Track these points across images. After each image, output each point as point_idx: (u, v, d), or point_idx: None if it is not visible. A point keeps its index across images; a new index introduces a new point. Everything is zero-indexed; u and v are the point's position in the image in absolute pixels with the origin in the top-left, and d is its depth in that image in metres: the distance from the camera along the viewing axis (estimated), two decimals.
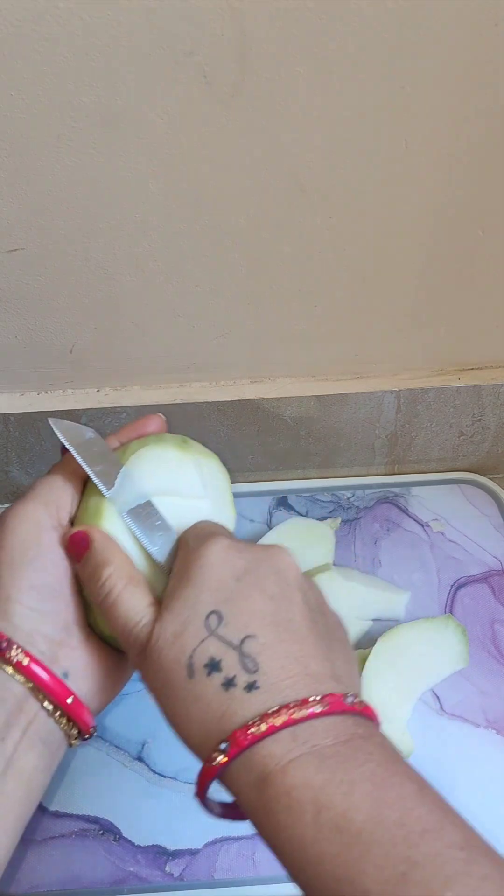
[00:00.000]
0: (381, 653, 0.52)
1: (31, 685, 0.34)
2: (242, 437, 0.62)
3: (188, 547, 0.34)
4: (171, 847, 0.47)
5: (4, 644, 0.34)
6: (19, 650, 0.34)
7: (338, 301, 0.54)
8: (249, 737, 0.28)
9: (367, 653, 0.52)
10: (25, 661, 0.34)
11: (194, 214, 0.47)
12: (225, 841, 0.47)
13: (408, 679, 0.52)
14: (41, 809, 0.49)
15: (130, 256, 0.49)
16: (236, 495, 0.65)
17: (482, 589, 0.59)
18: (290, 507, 0.65)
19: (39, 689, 0.34)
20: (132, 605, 0.33)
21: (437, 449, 0.66)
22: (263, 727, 0.28)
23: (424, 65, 0.41)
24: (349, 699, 0.29)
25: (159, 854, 0.47)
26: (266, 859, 0.46)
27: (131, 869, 0.46)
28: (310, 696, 0.29)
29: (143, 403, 0.58)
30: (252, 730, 0.28)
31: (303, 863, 0.26)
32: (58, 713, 0.35)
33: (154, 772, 0.50)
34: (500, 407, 0.61)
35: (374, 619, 0.57)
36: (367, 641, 0.55)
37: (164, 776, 0.50)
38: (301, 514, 0.64)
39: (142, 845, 0.47)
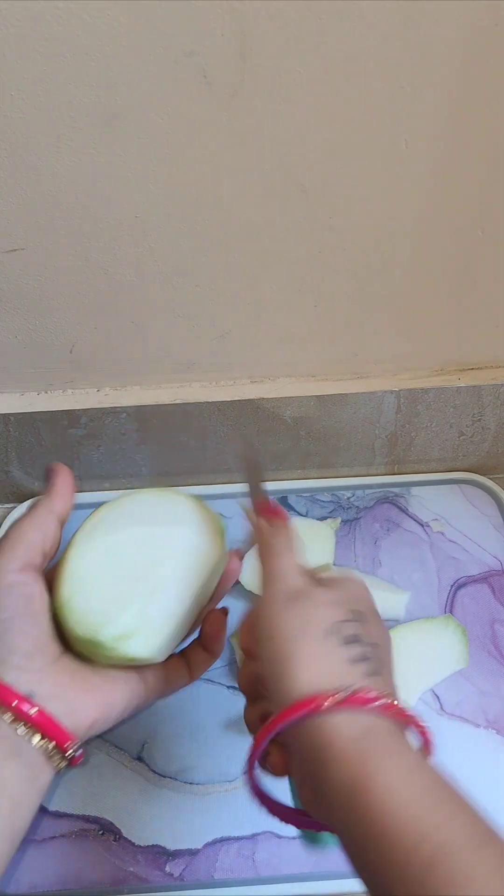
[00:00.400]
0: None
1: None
2: (242, 436, 0.62)
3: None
4: (171, 847, 0.47)
5: None
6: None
7: (338, 301, 0.54)
8: (372, 697, 0.31)
9: None
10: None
11: (194, 214, 0.47)
12: (225, 841, 0.47)
13: (408, 679, 0.52)
14: (41, 810, 0.49)
15: (130, 256, 0.49)
16: (236, 495, 0.65)
17: (482, 589, 0.59)
18: (290, 507, 0.65)
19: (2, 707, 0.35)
20: (295, 561, 0.38)
21: (437, 449, 0.66)
22: (382, 700, 0.31)
23: (424, 65, 0.41)
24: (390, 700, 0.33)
25: (159, 854, 0.47)
26: (266, 859, 0.46)
27: (131, 869, 0.46)
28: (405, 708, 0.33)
29: (143, 403, 0.58)
30: (373, 694, 0.31)
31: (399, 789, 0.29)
32: (28, 729, 0.35)
33: (154, 772, 0.50)
34: (500, 407, 0.61)
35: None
36: None
37: (164, 776, 0.50)
38: (301, 514, 0.64)
39: (142, 845, 0.47)
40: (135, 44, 0.39)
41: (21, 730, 0.35)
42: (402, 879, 0.27)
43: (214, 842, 0.47)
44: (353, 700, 0.31)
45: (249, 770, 0.34)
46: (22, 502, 0.66)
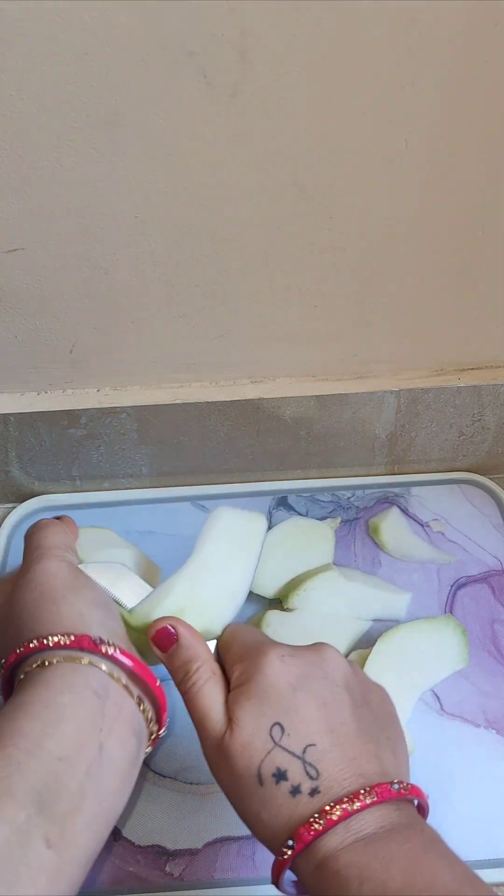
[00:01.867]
0: (381, 653, 0.52)
1: (118, 677, 0.37)
2: (242, 437, 0.62)
3: (245, 657, 0.39)
4: (171, 847, 0.47)
5: (98, 640, 0.37)
6: (111, 645, 0.37)
7: (338, 301, 0.54)
8: (312, 833, 0.32)
9: (367, 653, 0.52)
10: (117, 653, 0.37)
11: (194, 214, 0.47)
12: (225, 841, 0.47)
13: (408, 679, 0.52)
14: None
15: (130, 256, 0.49)
16: (236, 495, 0.65)
17: (482, 589, 0.59)
18: (290, 507, 0.65)
19: (133, 676, 0.38)
20: (213, 700, 0.37)
21: (437, 449, 0.66)
22: (322, 824, 0.32)
23: (424, 65, 0.41)
24: (395, 787, 0.34)
25: (159, 854, 0.47)
26: (266, 859, 0.46)
27: (131, 869, 0.46)
28: (360, 791, 0.33)
29: (143, 403, 0.58)
30: (315, 826, 0.32)
31: None
32: (143, 705, 0.38)
33: (154, 772, 0.50)
34: (500, 407, 0.61)
35: (374, 620, 0.57)
36: (367, 642, 0.55)
37: (164, 776, 0.50)
38: (301, 514, 0.64)
39: (142, 845, 0.47)
40: (135, 44, 0.39)
41: (142, 709, 0.38)
42: None
43: (214, 842, 0.47)
44: (303, 841, 0.33)
45: (276, 885, 0.35)
46: (22, 502, 0.66)
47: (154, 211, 0.47)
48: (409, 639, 0.54)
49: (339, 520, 0.64)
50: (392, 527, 0.62)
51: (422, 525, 0.64)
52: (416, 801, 0.35)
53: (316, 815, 0.33)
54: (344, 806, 0.32)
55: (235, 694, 0.37)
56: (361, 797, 0.33)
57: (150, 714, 0.39)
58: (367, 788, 0.33)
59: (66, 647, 0.37)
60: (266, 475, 0.67)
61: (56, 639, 0.37)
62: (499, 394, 0.60)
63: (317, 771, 0.34)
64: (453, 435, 0.64)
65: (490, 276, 0.53)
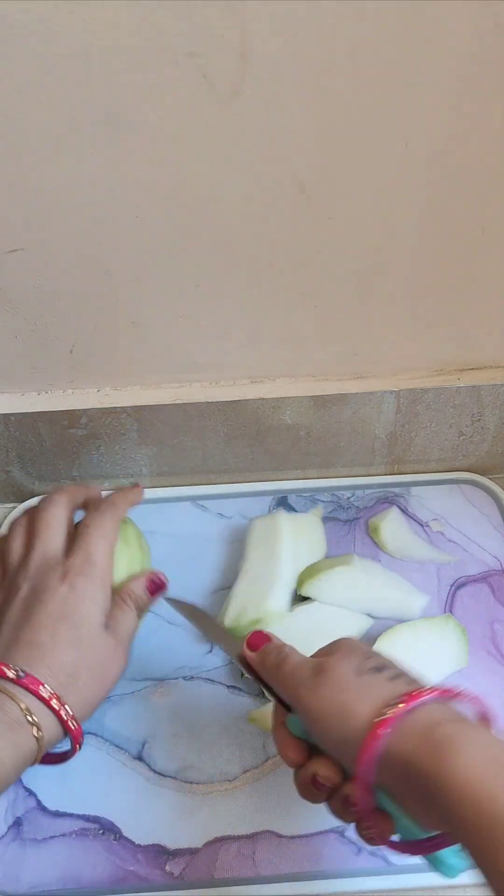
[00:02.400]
0: (381, 649, 0.52)
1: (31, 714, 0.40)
2: (242, 436, 0.62)
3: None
4: (171, 846, 0.47)
5: (48, 694, 0.40)
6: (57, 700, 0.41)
7: (338, 301, 0.54)
8: (422, 693, 0.35)
9: None
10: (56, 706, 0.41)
11: (194, 214, 0.47)
12: (225, 840, 0.47)
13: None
14: (41, 809, 0.49)
15: (130, 256, 0.49)
16: (236, 495, 0.65)
17: (482, 589, 0.59)
18: (290, 507, 0.65)
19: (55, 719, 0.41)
20: (299, 656, 0.42)
21: (436, 449, 0.66)
22: (427, 695, 0.36)
23: (424, 65, 0.41)
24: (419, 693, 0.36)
25: (159, 853, 0.47)
26: (266, 859, 0.46)
27: (131, 868, 0.46)
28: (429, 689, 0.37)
29: (143, 403, 0.58)
30: (423, 697, 0.35)
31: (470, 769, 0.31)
32: (30, 716, 0.40)
33: (154, 771, 0.50)
34: (499, 407, 0.61)
35: (386, 618, 0.57)
36: (367, 640, 0.55)
37: (164, 776, 0.50)
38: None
39: (142, 844, 0.47)
40: (135, 44, 0.39)
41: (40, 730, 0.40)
42: None
43: (214, 841, 0.47)
44: (413, 699, 0.35)
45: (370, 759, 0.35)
46: (22, 502, 0.66)
47: (154, 211, 0.47)
48: (408, 639, 0.54)
49: (320, 506, 0.64)
50: (392, 527, 0.62)
51: (421, 525, 0.64)
52: None
53: (422, 688, 0.36)
54: (434, 691, 0.36)
55: (322, 651, 0.42)
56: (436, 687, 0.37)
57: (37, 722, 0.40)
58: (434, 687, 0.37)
59: None
60: (266, 475, 0.67)
61: None
62: (498, 394, 0.60)
63: (410, 679, 0.38)
64: (453, 435, 0.64)
65: (490, 276, 0.53)
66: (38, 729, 0.39)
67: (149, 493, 0.66)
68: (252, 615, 0.54)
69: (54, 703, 0.40)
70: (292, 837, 0.47)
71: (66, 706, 0.41)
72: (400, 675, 0.38)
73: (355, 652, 0.40)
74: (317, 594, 0.56)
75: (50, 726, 0.40)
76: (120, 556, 0.51)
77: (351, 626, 0.56)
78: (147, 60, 0.40)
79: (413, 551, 0.61)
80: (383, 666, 0.38)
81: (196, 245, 0.49)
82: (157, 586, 0.49)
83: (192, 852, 0.47)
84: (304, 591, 0.57)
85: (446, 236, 0.50)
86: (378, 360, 0.59)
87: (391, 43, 0.40)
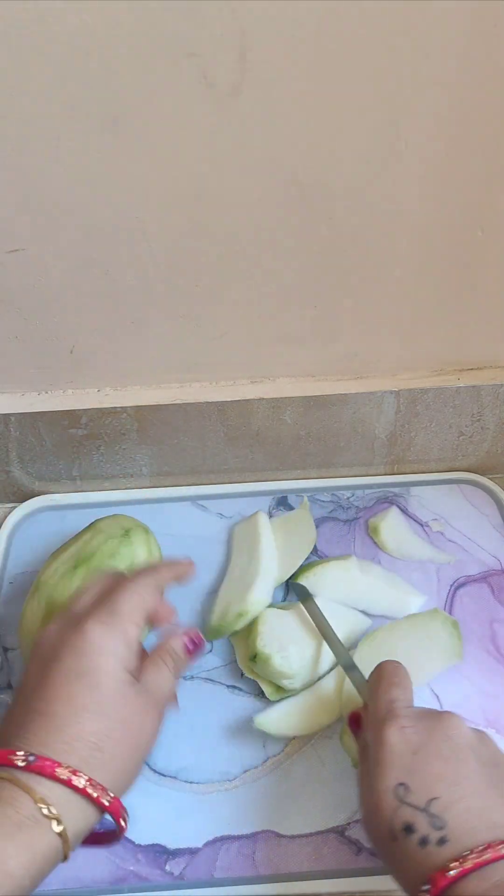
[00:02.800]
0: (363, 656, 0.52)
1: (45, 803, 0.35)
2: (242, 436, 0.62)
3: (373, 726, 0.42)
4: (172, 846, 0.47)
5: (66, 775, 0.35)
6: (78, 778, 0.36)
7: (338, 301, 0.54)
8: (446, 879, 0.34)
9: None
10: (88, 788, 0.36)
11: (194, 214, 0.47)
12: (225, 840, 0.47)
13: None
14: None
15: (130, 256, 0.49)
16: (236, 495, 0.65)
17: (481, 589, 0.59)
18: (290, 508, 0.65)
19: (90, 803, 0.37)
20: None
21: (436, 449, 0.66)
22: (457, 869, 0.34)
23: (424, 65, 0.41)
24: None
25: (159, 853, 0.47)
26: (266, 858, 0.46)
27: (131, 868, 0.46)
28: (492, 842, 0.34)
29: (143, 403, 0.58)
30: (450, 873, 0.34)
31: None
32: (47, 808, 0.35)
33: (154, 771, 0.50)
34: (499, 407, 0.61)
35: (382, 616, 0.57)
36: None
37: (165, 776, 0.50)
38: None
39: (142, 844, 0.47)
40: (135, 44, 0.39)
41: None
42: None
43: (214, 841, 0.47)
44: (437, 886, 0.34)
45: None
46: (22, 502, 0.66)
47: (154, 211, 0.47)
48: (396, 637, 0.54)
49: (306, 500, 0.65)
50: (391, 526, 0.62)
51: (421, 525, 0.64)
52: None
53: (451, 863, 0.34)
54: (476, 857, 0.34)
55: (364, 761, 0.41)
56: (495, 848, 0.34)
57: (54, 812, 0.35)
58: (499, 842, 0.34)
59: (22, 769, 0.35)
60: (266, 475, 0.67)
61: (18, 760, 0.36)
62: (498, 394, 0.60)
63: (442, 821, 0.36)
64: (453, 435, 0.64)
65: (490, 276, 0.53)
66: (59, 822, 0.34)
67: (149, 493, 0.66)
68: (236, 609, 0.54)
69: (76, 780, 0.35)
70: (292, 837, 0.47)
71: (94, 781, 0.36)
72: (428, 836, 0.36)
73: (384, 802, 0.38)
74: (312, 590, 0.57)
75: (75, 812, 0.35)
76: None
77: (346, 624, 0.55)
78: (147, 60, 0.40)
79: (413, 551, 0.61)
80: (411, 822, 0.36)
81: (196, 245, 0.49)
82: (195, 646, 0.45)
83: (192, 852, 0.47)
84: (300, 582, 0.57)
85: (446, 236, 0.50)
86: (378, 360, 0.59)
87: (391, 43, 0.40)
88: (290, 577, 0.58)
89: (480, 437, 0.65)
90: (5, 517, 0.65)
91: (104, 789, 0.36)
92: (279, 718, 0.51)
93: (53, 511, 0.66)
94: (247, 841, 0.47)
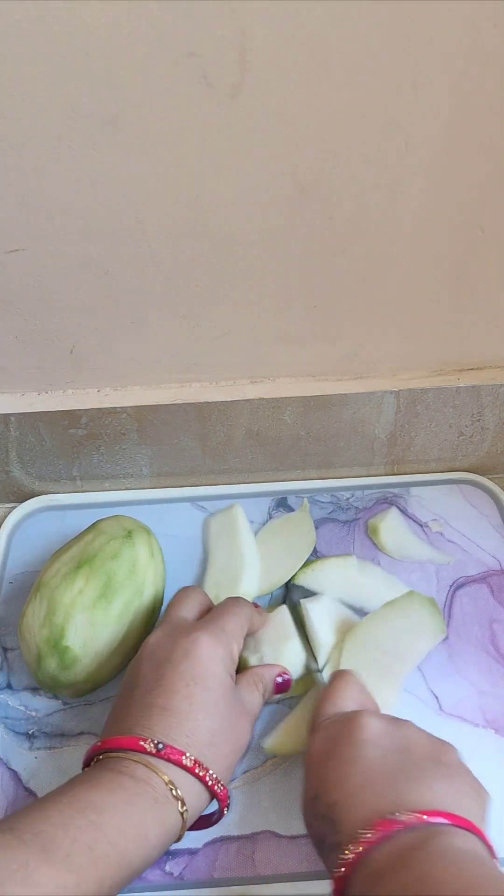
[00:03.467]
0: (351, 653, 0.52)
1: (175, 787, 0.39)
2: (242, 436, 0.62)
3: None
4: (171, 846, 0.47)
5: (191, 763, 0.40)
6: (200, 767, 0.40)
7: (338, 301, 0.54)
8: (339, 879, 0.35)
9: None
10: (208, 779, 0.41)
11: (194, 215, 0.47)
12: (224, 840, 0.47)
13: (387, 667, 0.52)
14: None
15: (130, 256, 0.49)
16: (236, 495, 0.66)
17: (481, 589, 0.59)
18: (289, 508, 0.65)
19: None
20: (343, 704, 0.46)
21: (436, 449, 0.66)
22: (342, 870, 0.35)
23: (424, 65, 0.41)
24: (398, 816, 0.35)
25: None
26: (265, 858, 0.46)
27: None
28: (377, 820, 0.35)
29: (143, 403, 0.58)
30: (337, 873, 0.35)
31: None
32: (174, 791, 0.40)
33: None
34: (499, 407, 0.61)
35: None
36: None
37: None
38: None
39: None
40: (135, 44, 0.39)
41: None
42: None
43: (214, 841, 0.47)
44: (341, 880, 0.35)
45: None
46: (22, 502, 0.66)
47: (154, 211, 0.47)
48: (376, 626, 0.53)
49: (305, 499, 0.65)
50: (391, 527, 0.62)
51: (421, 525, 0.64)
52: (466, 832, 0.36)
53: (338, 862, 0.35)
54: (351, 848, 0.35)
55: None
56: (363, 835, 0.35)
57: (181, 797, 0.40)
58: (369, 824, 0.35)
59: (149, 753, 0.40)
60: (266, 475, 0.67)
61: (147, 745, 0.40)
62: (498, 394, 0.60)
63: (337, 824, 0.37)
64: (453, 435, 0.64)
65: (490, 276, 0.53)
66: (183, 804, 0.39)
67: (149, 494, 0.66)
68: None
69: (198, 770, 0.40)
70: (292, 837, 0.47)
71: (210, 771, 0.40)
72: (330, 842, 0.37)
73: (308, 816, 0.40)
74: (308, 586, 0.57)
75: (194, 797, 0.40)
76: (147, 568, 0.52)
77: (340, 621, 0.56)
78: (147, 60, 0.40)
79: (412, 552, 0.61)
80: (323, 834, 0.38)
81: (196, 245, 0.49)
82: (283, 685, 0.49)
83: (191, 852, 0.47)
84: (298, 581, 0.58)
85: (446, 236, 0.50)
86: (378, 360, 0.59)
87: (391, 43, 0.40)
88: (290, 580, 0.58)
89: (480, 438, 0.65)
90: (5, 517, 0.65)
91: (217, 780, 0.41)
92: (287, 739, 0.50)
93: (53, 511, 0.66)
94: (246, 841, 0.47)
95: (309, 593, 0.57)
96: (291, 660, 0.52)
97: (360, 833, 0.35)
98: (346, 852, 0.35)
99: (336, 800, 0.37)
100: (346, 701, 0.45)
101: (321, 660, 0.52)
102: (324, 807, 0.38)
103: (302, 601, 0.55)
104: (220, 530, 0.63)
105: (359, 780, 0.38)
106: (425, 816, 0.35)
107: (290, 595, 0.57)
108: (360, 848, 0.34)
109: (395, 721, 0.42)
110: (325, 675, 0.52)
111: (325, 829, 0.37)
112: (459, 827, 0.35)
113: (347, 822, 0.36)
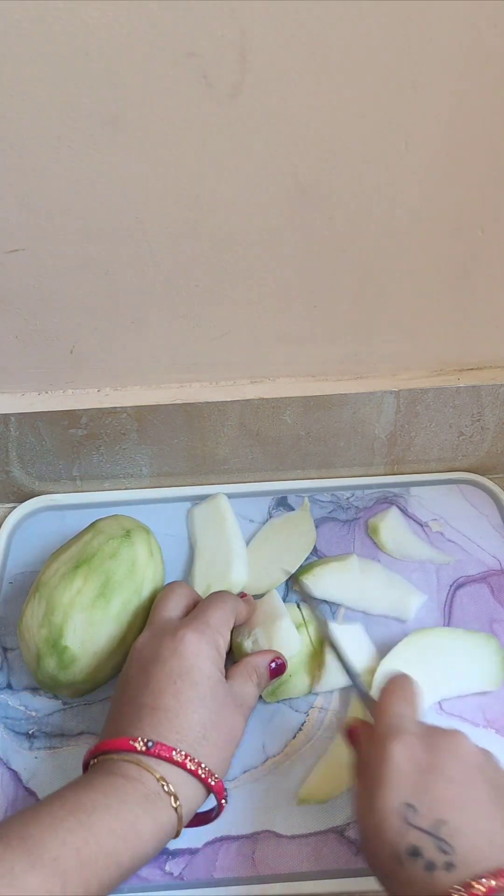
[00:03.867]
0: (409, 645, 0.53)
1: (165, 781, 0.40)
2: (242, 436, 0.62)
3: (377, 740, 0.40)
4: (171, 846, 0.47)
5: (181, 757, 0.40)
6: (191, 761, 0.41)
7: (338, 301, 0.54)
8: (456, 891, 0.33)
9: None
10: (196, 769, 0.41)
11: (194, 215, 0.47)
12: (225, 840, 0.47)
13: (435, 681, 0.52)
14: None
15: (130, 256, 0.49)
16: (236, 495, 0.65)
17: (481, 589, 0.59)
18: (290, 508, 0.65)
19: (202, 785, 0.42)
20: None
21: (436, 449, 0.66)
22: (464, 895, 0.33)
23: (424, 65, 0.41)
24: None
25: (159, 853, 0.47)
26: (265, 858, 0.46)
27: None
28: (502, 868, 0.34)
29: (143, 403, 0.58)
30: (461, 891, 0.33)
31: None
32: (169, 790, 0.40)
33: None
34: (499, 407, 0.61)
35: (382, 616, 0.57)
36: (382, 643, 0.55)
37: None
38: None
39: None
40: (135, 44, 0.39)
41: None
42: None
43: (214, 841, 0.47)
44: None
45: None
46: (22, 502, 0.66)
47: (154, 211, 0.47)
48: (445, 642, 0.54)
49: (306, 499, 0.65)
50: (391, 527, 0.62)
51: (421, 525, 0.64)
52: None
53: (458, 887, 0.33)
54: (490, 882, 0.33)
55: (363, 777, 0.40)
56: (490, 882, 0.33)
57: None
58: (498, 873, 0.33)
59: (143, 753, 0.40)
60: (266, 475, 0.67)
61: (140, 745, 0.40)
62: (498, 394, 0.60)
63: (450, 846, 0.35)
64: (453, 435, 0.64)
65: (490, 276, 0.53)
66: (176, 799, 0.39)
67: (149, 494, 0.66)
68: (218, 590, 0.55)
69: (189, 764, 0.40)
70: (292, 837, 0.47)
71: (203, 764, 0.41)
72: (435, 861, 0.35)
73: (387, 823, 0.37)
74: (312, 590, 0.57)
75: (188, 792, 0.40)
76: (146, 567, 0.53)
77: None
78: (147, 60, 0.40)
79: (412, 551, 0.61)
80: (419, 846, 0.35)
81: (196, 245, 0.49)
82: (278, 670, 0.50)
83: (191, 852, 0.47)
84: (301, 586, 0.57)
85: (446, 236, 0.50)
86: (378, 360, 0.59)
87: (391, 43, 0.40)
88: (290, 578, 0.58)
89: (480, 438, 0.65)
90: (5, 517, 0.65)
91: (210, 772, 0.41)
92: (322, 784, 0.49)
93: (53, 511, 0.66)
94: (246, 841, 0.47)
95: (309, 596, 0.57)
96: (285, 639, 0.52)
97: (489, 874, 0.34)
98: (477, 885, 0.33)
99: (447, 820, 0.36)
100: (410, 707, 0.43)
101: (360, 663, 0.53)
102: (428, 821, 0.36)
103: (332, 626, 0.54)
104: (206, 521, 0.63)
105: (475, 809, 0.36)
106: None
107: (290, 594, 0.58)
108: (494, 883, 0.33)
109: (483, 749, 0.41)
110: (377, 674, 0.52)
111: (429, 845, 0.35)
112: None
113: (467, 851, 0.35)
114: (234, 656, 0.53)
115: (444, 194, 0.47)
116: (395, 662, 0.52)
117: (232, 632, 0.53)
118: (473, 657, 0.54)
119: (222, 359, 0.58)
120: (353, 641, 0.54)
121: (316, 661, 0.53)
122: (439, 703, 0.53)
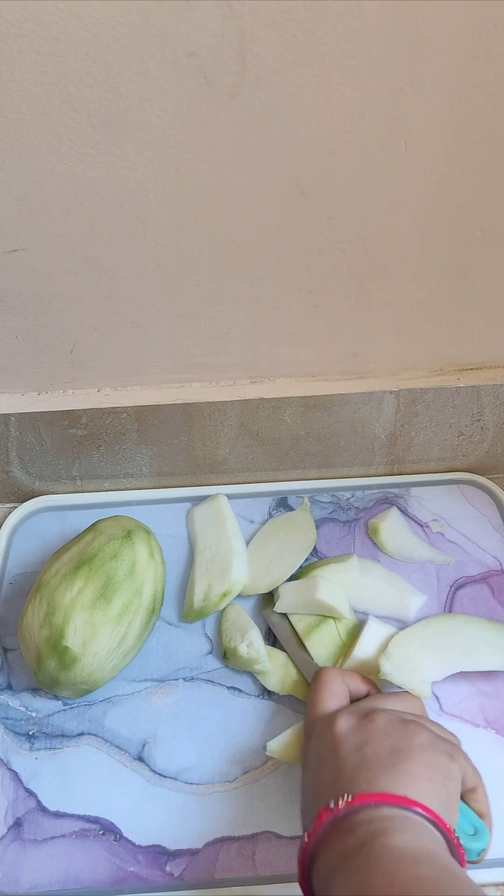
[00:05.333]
0: (431, 623, 0.54)
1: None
2: (242, 436, 0.62)
3: (306, 729, 0.47)
4: (172, 847, 0.47)
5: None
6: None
7: (338, 301, 0.54)
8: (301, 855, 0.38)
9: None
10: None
11: (194, 215, 0.47)
12: (225, 841, 0.47)
13: (449, 652, 0.53)
14: (41, 809, 0.49)
15: (130, 256, 0.49)
16: (236, 495, 0.65)
17: (481, 589, 0.59)
18: (290, 508, 0.65)
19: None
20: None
21: (436, 449, 0.66)
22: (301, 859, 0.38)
23: (424, 65, 0.41)
24: (330, 804, 0.38)
25: (159, 854, 0.47)
26: (266, 859, 0.46)
27: (132, 869, 0.46)
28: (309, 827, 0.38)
29: (143, 403, 0.58)
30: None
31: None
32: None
33: (154, 772, 0.50)
34: (499, 407, 0.61)
35: (383, 616, 0.57)
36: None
37: (164, 776, 0.50)
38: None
39: (142, 845, 0.47)
40: (135, 44, 0.39)
41: None
42: None
43: (214, 841, 0.47)
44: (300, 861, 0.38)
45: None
46: (23, 502, 0.66)
47: (154, 211, 0.47)
48: (464, 625, 0.54)
49: (306, 499, 0.65)
50: (391, 527, 0.62)
51: (421, 525, 0.64)
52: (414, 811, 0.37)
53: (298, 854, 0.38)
54: (304, 838, 0.38)
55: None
56: (302, 838, 0.38)
57: None
58: (311, 823, 0.38)
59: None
60: (266, 475, 0.67)
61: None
62: (498, 394, 0.60)
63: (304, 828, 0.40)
64: (452, 435, 0.64)
65: (489, 276, 0.53)
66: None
67: (149, 494, 0.66)
68: (219, 589, 0.57)
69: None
70: (292, 837, 0.47)
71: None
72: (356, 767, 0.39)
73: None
74: (315, 593, 0.57)
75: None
76: (147, 568, 0.53)
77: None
78: (147, 60, 0.40)
79: (413, 552, 0.61)
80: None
81: (196, 245, 0.49)
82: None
83: (192, 853, 0.47)
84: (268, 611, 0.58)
85: (446, 236, 0.50)
86: (378, 360, 0.59)
87: (391, 43, 0.40)
88: (290, 578, 0.59)
89: (480, 437, 0.65)
90: (5, 517, 0.65)
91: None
92: (291, 747, 0.50)
93: (53, 511, 0.66)
94: (247, 842, 0.47)
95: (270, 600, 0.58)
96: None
97: (307, 826, 0.38)
98: (340, 801, 0.37)
99: (302, 806, 0.41)
100: (327, 701, 0.46)
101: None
102: (302, 813, 0.41)
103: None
104: (206, 521, 0.63)
105: (318, 789, 0.40)
106: (358, 803, 0.37)
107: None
108: (306, 839, 0.37)
109: (366, 715, 0.42)
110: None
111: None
112: (403, 807, 0.36)
113: (305, 822, 0.40)
114: (232, 662, 0.53)
115: (444, 194, 0.47)
116: (412, 636, 0.53)
117: (223, 638, 0.55)
118: (489, 640, 0.54)
119: (222, 359, 0.58)
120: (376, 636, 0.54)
121: (343, 654, 0.54)
122: (440, 703, 0.53)
